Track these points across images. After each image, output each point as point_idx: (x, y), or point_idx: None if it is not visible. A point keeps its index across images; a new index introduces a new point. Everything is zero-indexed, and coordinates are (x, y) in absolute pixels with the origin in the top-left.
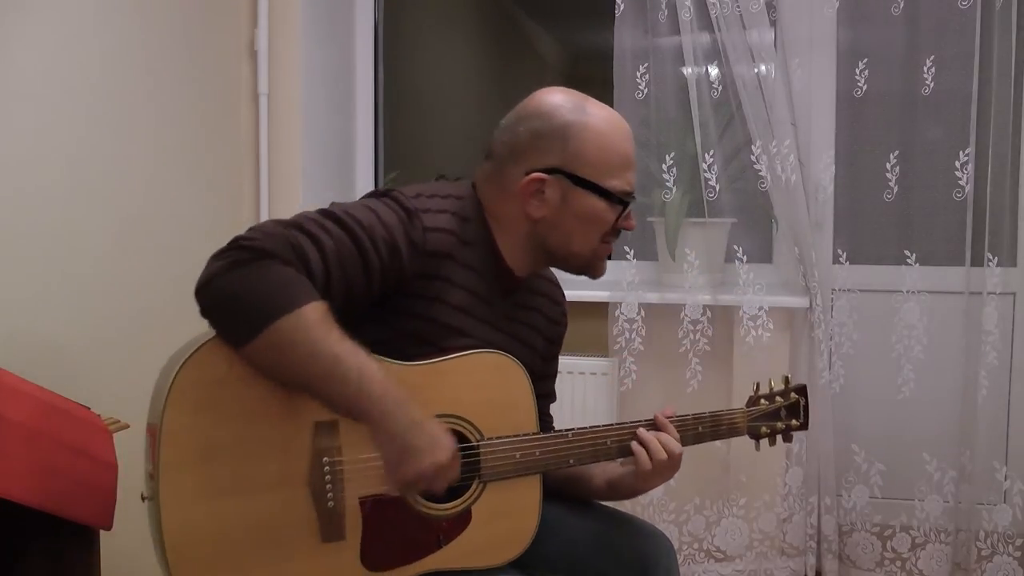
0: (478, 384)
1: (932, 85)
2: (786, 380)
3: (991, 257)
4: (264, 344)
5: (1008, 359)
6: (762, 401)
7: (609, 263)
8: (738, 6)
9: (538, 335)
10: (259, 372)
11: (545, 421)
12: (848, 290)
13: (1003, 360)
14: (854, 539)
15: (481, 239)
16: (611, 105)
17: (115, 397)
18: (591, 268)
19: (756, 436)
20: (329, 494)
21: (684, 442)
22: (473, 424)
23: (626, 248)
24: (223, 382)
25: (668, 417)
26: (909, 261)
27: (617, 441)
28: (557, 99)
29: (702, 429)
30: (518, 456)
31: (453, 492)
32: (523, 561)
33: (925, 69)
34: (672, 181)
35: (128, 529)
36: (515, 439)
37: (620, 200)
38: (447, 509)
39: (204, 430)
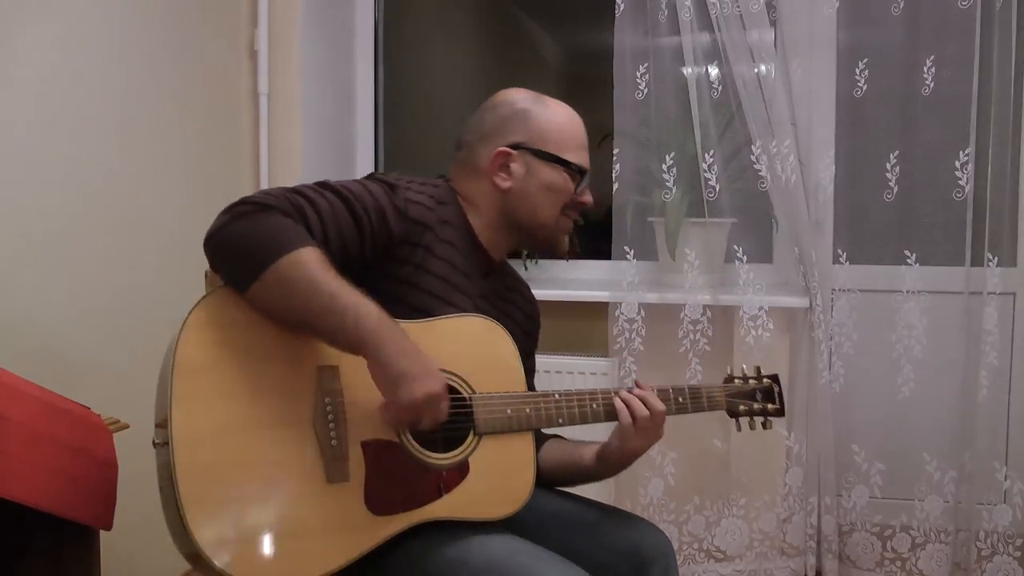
0: (468, 344)
1: (932, 85)
2: (758, 369)
3: (991, 257)
4: (266, 283)
5: (1008, 359)
6: (736, 380)
7: (609, 263)
8: (738, 6)
9: (515, 323)
10: (264, 313)
11: None
12: (848, 290)
13: (1003, 360)
14: (854, 539)
15: (457, 219)
16: (611, 105)
17: (115, 397)
18: (555, 240)
19: (735, 414)
20: (332, 433)
21: (667, 411)
22: (464, 380)
23: (626, 248)
24: (232, 325)
25: (649, 388)
26: (909, 261)
27: (603, 404)
28: (518, 92)
29: (683, 400)
30: (509, 412)
31: (450, 444)
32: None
33: (925, 69)
34: (672, 181)
35: (128, 529)
36: (506, 395)
37: (578, 170)
38: (446, 459)
39: (212, 368)
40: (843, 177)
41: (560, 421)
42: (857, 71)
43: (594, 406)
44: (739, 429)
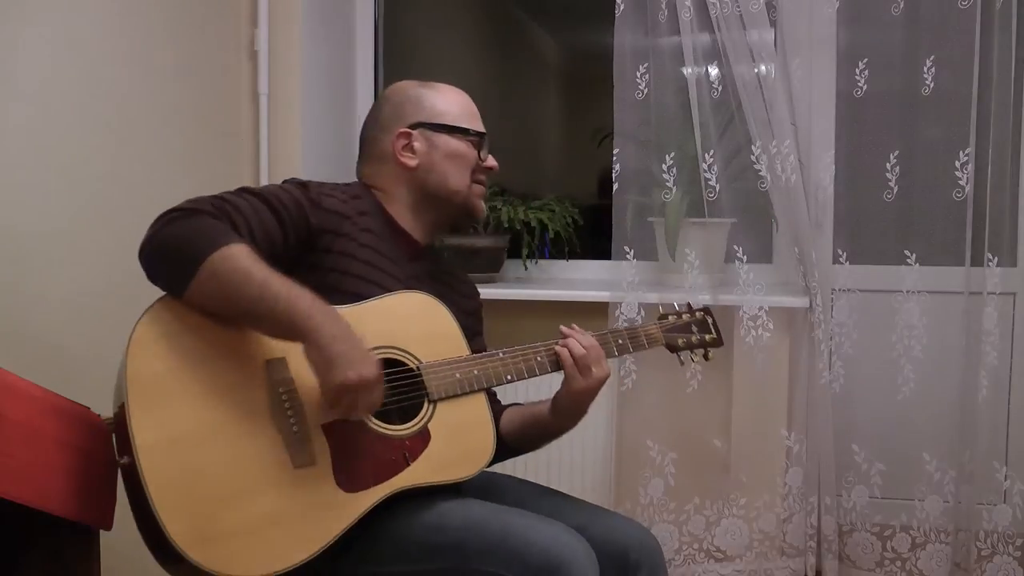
0: (406, 319)
1: (932, 85)
2: (688, 305)
3: (991, 257)
4: (201, 281)
5: (1008, 359)
6: (670, 317)
7: (609, 263)
8: (738, 6)
9: (452, 303)
10: (203, 313)
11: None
12: (848, 290)
13: (1003, 360)
14: (854, 539)
15: (374, 208)
16: (611, 105)
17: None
18: (471, 205)
19: (674, 348)
20: (291, 419)
21: (608, 355)
22: (410, 352)
23: (626, 248)
24: (176, 334)
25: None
26: (909, 261)
27: (546, 355)
28: (406, 82)
29: (621, 342)
30: (459, 375)
31: (408, 415)
32: None
33: (925, 69)
34: (672, 181)
35: (128, 529)
36: (453, 361)
37: (476, 134)
38: (406, 428)
39: (164, 376)
40: (843, 177)
41: (508, 377)
42: (857, 71)
43: (538, 358)
44: (682, 363)
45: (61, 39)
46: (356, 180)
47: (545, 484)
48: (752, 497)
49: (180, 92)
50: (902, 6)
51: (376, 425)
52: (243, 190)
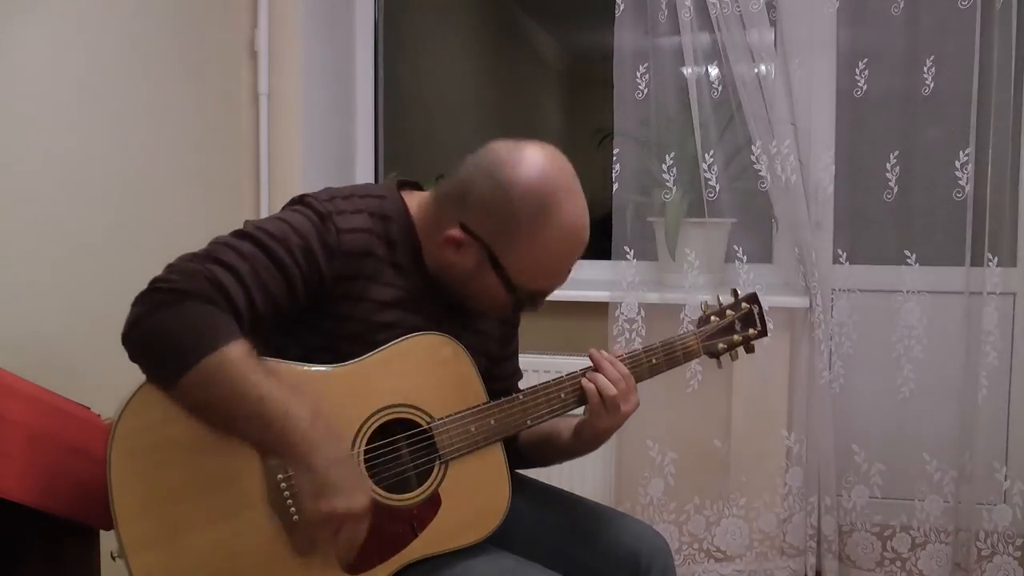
0: (416, 368)
1: (932, 85)
2: (735, 292)
3: (991, 257)
4: (190, 385)
5: (1008, 359)
6: (712, 319)
7: (609, 263)
8: (738, 6)
9: (487, 318)
10: (186, 411)
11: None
12: (848, 290)
13: (1003, 360)
14: (854, 539)
15: (404, 238)
16: (611, 105)
17: (115, 397)
18: (488, 312)
19: (714, 354)
20: (292, 508)
21: (641, 376)
22: (420, 408)
23: (626, 248)
24: (162, 423)
25: (618, 355)
26: (909, 261)
27: (571, 390)
28: (533, 182)
29: (656, 360)
30: (473, 429)
31: (422, 478)
32: (518, 555)
33: (925, 69)
34: (672, 181)
35: None
36: (466, 413)
37: (526, 298)
38: (414, 497)
39: (153, 473)
40: (843, 177)
41: (529, 423)
42: (857, 71)
43: (562, 395)
44: (720, 367)
45: (61, 39)
46: (394, 186)
47: (545, 483)
48: (752, 497)
49: (180, 92)
50: (902, 6)
51: (383, 497)
52: (243, 235)
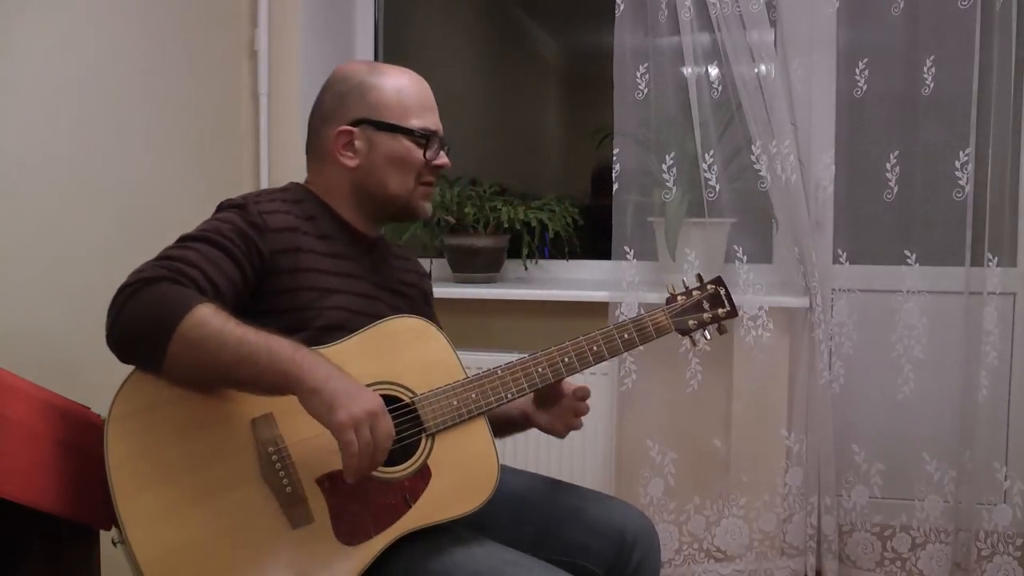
0: (394, 348)
1: (932, 85)
2: (699, 277)
3: (991, 257)
4: (175, 354)
5: (1008, 359)
6: (679, 298)
7: (609, 263)
8: (738, 6)
9: (408, 286)
10: (185, 386)
11: None
12: (848, 290)
13: (1003, 360)
14: (854, 539)
15: (320, 211)
16: (611, 105)
17: None
18: (412, 209)
19: (685, 331)
20: (284, 481)
21: (615, 352)
22: (402, 385)
23: (626, 248)
24: (153, 406)
25: (590, 335)
26: (909, 261)
27: (546, 365)
28: (352, 66)
29: (628, 336)
30: (456, 403)
31: (408, 452)
32: (503, 539)
33: (925, 69)
34: (672, 181)
35: None
36: (448, 387)
37: (422, 135)
38: (403, 470)
39: (147, 455)
40: (843, 177)
41: (509, 396)
42: (857, 71)
43: (539, 370)
44: (695, 344)
45: (61, 39)
46: (291, 183)
47: (531, 471)
48: (752, 497)
49: (180, 92)
50: (902, 6)
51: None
52: (184, 239)
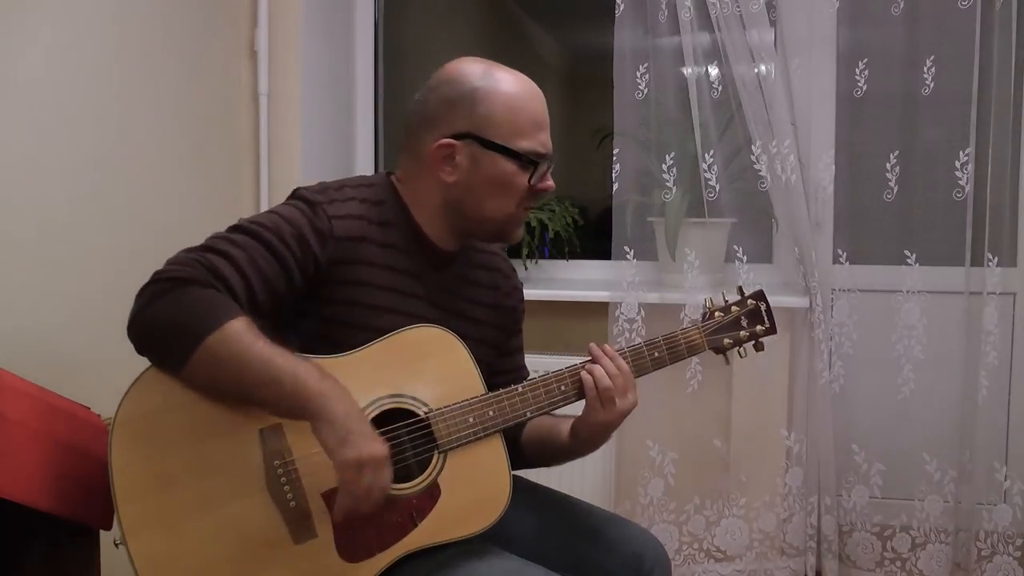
0: (414, 359)
1: (932, 85)
2: (740, 290)
3: (991, 257)
4: (198, 364)
5: (1008, 359)
6: (716, 314)
7: (609, 263)
8: (738, 6)
9: (484, 308)
10: (199, 392)
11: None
12: (848, 290)
13: (1003, 360)
14: (854, 539)
15: (399, 218)
16: (611, 105)
17: (115, 397)
18: (506, 234)
19: (720, 349)
20: (289, 495)
21: (643, 369)
22: (417, 399)
23: (626, 248)
24: (162, 411)
25: (620, 351)
26: (909, 261)
27: (570, 382)
28: (466, 67)
29: (658, 354)
30: (472, 420)
31: (422, 468)
32: (517, 555)
33: (925, 69)
34: (672, 181)
35: None
36: (465, 403)
37: (530, 160)
38: (413, 487)
39: (152, 459)
40: (843, 177)
41: (528, 414)
42: (857, 71)
43: (561, 387)
44: (728, 363)
45: (61, 39)
46: (384, 174)
47: (545, 485)
48: (752, 497)
49: (180, 92)
50: (902, 6)
51: None
52: (236, 229)
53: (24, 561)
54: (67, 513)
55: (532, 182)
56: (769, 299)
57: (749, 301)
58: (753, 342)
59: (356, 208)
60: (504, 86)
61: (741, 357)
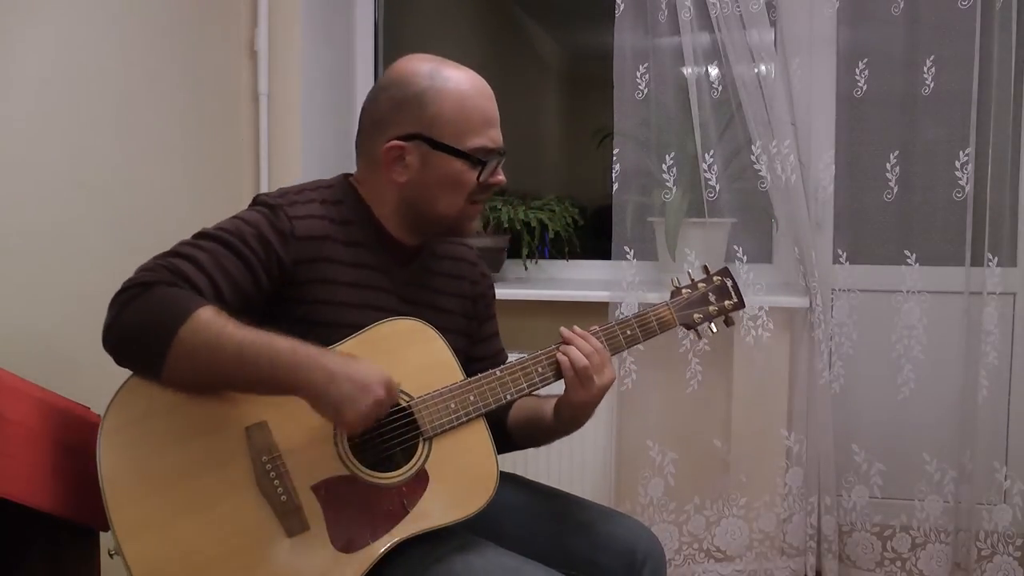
0: (392, 351)
1: (932, 85)
2: (705, 268)
3: (991, 257)
4: (175, 361)
5: (1008, 359)
6: (684, 291)
7: (609, 263)
8: (738, 6)
9: (454, 297)
10: (186, 391)
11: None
12: (848, 290)
13: (1003, 360)
14: (854, 539)
15: (360, 217)
16: (611, 105)
17: None
18: (460, 229)
19: (690, 325)
20: (279, 489)
21: (617, 348)
22: (400, 390)
23: (626, 248)
24: (146, 417)
25: (591, 330)
26: (909, 261)
27: (547, 363)
28: (414, 66)
29: (631, 332)
30: (453, 405)
31: (408, 456)
32: (511, 550)
33: (925, 69)
34: (672, 181)
35: None
36: (445, 390)
37: (478, 160)
38: (400, 475)
39: (140, 464)
40: (843, 177)
41: (508, 396)
42: (857, 71)
43: (539, 369)
44: (699, 337)
45: (61, 39)
46: (341, 176)
47: (536, 481)
48: (752, 497)
49: (180, 92)
50: (902, 6)
51: (370, 476)
52: (201, 236)
53: (24, 561)
54: (67, 513)
55: (481, 179)
56: (769, 299)
57: (715, 278)
58: (723, 317)
59: (317, 209)
60: (452, 85)
61: (712, 333)
